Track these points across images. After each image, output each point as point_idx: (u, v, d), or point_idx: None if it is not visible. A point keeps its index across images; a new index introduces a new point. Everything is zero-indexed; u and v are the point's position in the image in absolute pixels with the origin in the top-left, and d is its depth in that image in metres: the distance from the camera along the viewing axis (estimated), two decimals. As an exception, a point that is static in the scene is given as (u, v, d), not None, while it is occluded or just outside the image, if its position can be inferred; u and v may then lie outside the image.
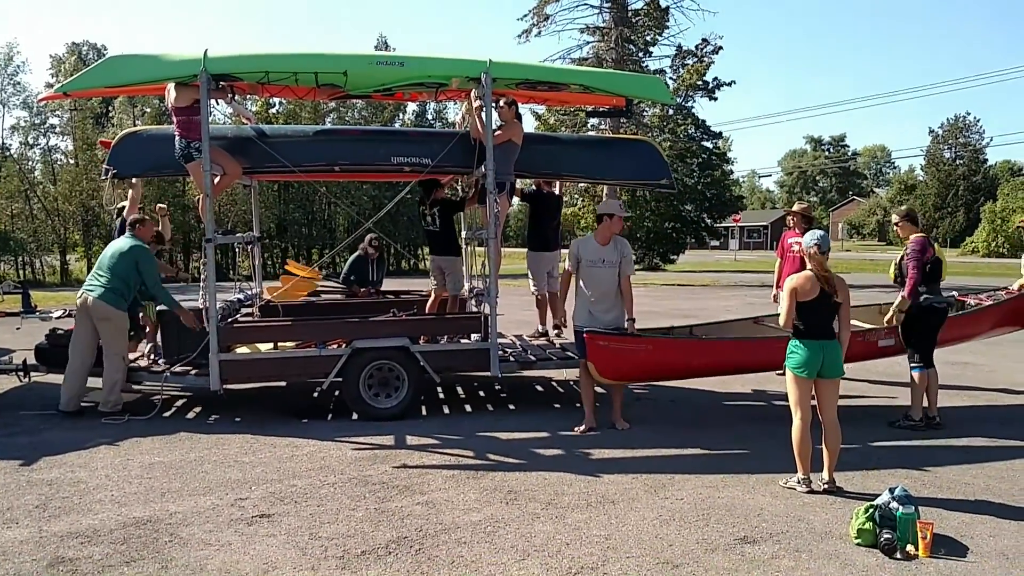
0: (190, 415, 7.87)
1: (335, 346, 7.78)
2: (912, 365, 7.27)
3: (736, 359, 7.68)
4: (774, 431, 7.05)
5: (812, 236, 5.50)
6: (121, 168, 7.93)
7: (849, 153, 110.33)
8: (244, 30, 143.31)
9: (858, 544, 4.52)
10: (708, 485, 5.55)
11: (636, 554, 4.39)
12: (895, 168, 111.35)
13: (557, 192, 9.56)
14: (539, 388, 9.17)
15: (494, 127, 7.65)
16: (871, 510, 4.61)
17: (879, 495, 4.73)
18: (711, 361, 7.69)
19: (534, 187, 9.60)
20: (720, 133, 39.48)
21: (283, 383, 8.92)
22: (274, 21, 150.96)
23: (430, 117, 45.28)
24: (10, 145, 40.93)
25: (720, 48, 31.76)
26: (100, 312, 7.58)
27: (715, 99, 33.03)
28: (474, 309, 8.96)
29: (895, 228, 7.57)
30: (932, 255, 7.18)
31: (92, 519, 4.93)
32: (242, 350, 7.91)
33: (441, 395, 8.61)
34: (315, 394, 8.61)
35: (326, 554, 4.41)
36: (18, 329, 10.34)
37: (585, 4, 30.20)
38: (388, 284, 11.86)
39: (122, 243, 7.89)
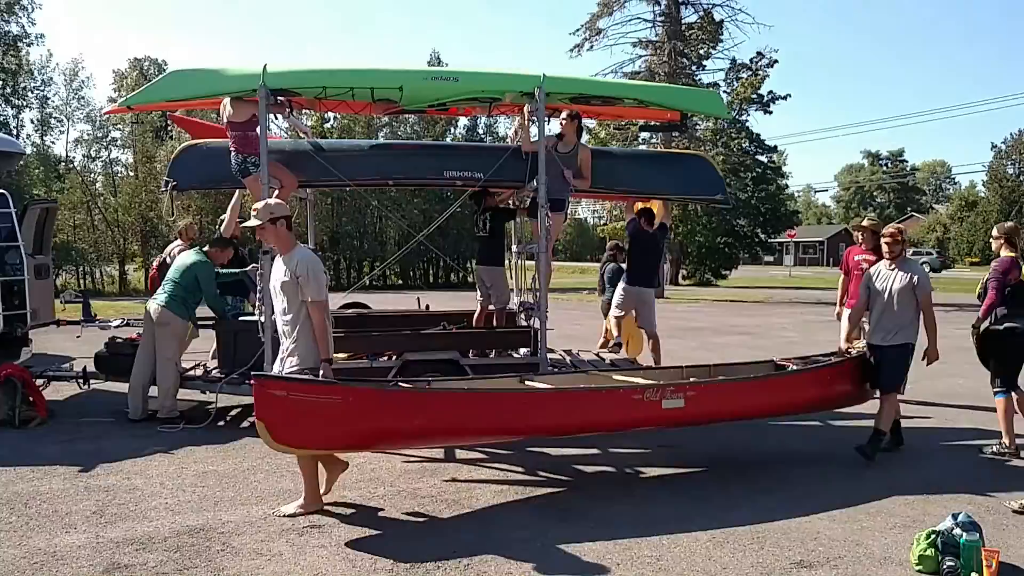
0: (244, 424, 7.97)
1: (386, 358, 7.82)
2: (995, 391, 6.81)
3: (500, 421, 5.62)
4: (831, 453, 6.91)
5: None
6: (181, 181, 8.11)
7: (908, 168, 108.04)
8: (300, 45, 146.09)
9: (919, 571, 4.39)
10: (762, 507, 5.42)
11: (689, 576, 4.31)
12: (955, 184, 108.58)
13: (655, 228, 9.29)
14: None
15: (554, 137, 7.67)
16: (933, 536, 4.46)
17: (941, 521, 4.58)
18: (457, 423, 5.48)
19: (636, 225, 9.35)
20: (775, 147, 39.03)
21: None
22: (326, 36, 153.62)
23: (481, 131, 45.58)
24: (74, 158, 42.27)
25: (775, 61, 31.49)
26: (161, 318, 7.82)
27: (770, 113, 32.71)
28: (523, 323, 8.94)
29: (993, 245, 7.20)
30: (1017, 277, 6.76)
31: (147, 526, 5.01)
32: (295, 361, 7.98)
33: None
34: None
35: (375, 566, 4.41)
36: (78, 337, 10.60)
37: (638, 18, 30.25)
38: (437, 302, 11.90)
39: (188, 257, 8.11)
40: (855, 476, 6.21)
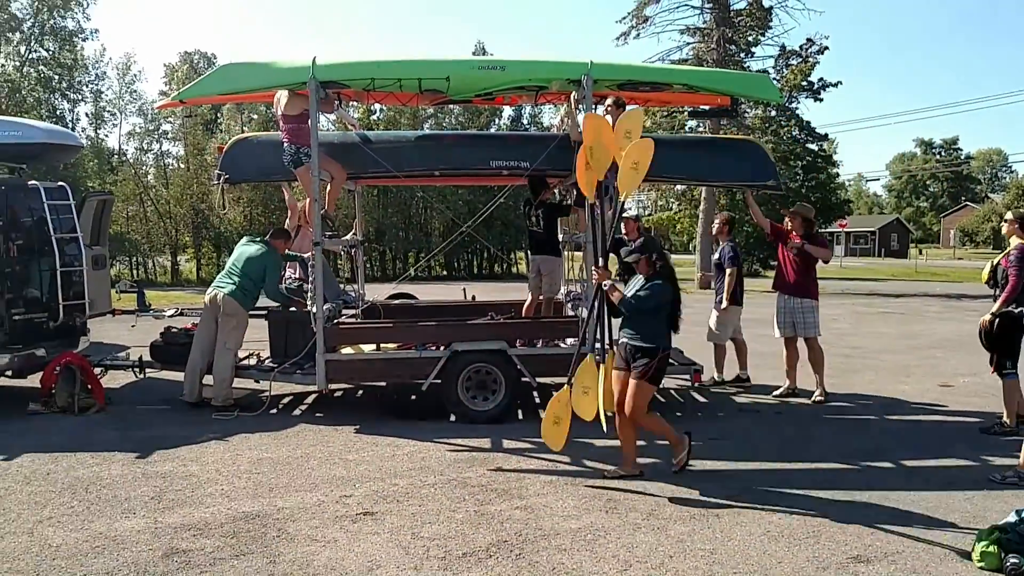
0: (297, 412, 8.08)
1: (434, 348, 7.85)
2: (1005, 372, 7.01)
3: None
4: (884, 447, 6.77)
5: None
6: (233, 173, 8.23)
7: (962, 156, 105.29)
8: (346, 33, 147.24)
9: (981, 568, 4.29)
10: (817, 501, 5.34)
11: (743, 570, 4.25)
12: (1012, 172, 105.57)
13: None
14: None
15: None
16: (995, 532, 4.35)
17: (1004, 517, 4.46)
18: None
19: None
20: (825, 135, 38.14)
21: (383, 384, 9.04)
22: (376, 26, 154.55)
23: (525, 121, 45.41)
24: (126, 150, 43.09)
25: (826, 48, 30.76)
26: (228, 307, 7.93)
27: (820, 100, 32.00)
28: (571, 313, 8.90)
29: (1004, 229, 7.23)
30: None
31: (204, 512, 5.10)
32: (346, 351, 8.07)
33: (537, 399, 8.57)
34: (413, 396, 8.72)
35: (428, 554, 4.44)
36: (133, 327, 10.80)
37: (686, 5, 29.81)
38: (482, 292, 11.93)
39: (256, 248, 8.21)
40: (912, 471, 6.09)
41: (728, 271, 9.08)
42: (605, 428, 5.85)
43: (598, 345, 6.41)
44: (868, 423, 7.77)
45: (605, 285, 5.99)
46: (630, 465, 5.92)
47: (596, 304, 6.37)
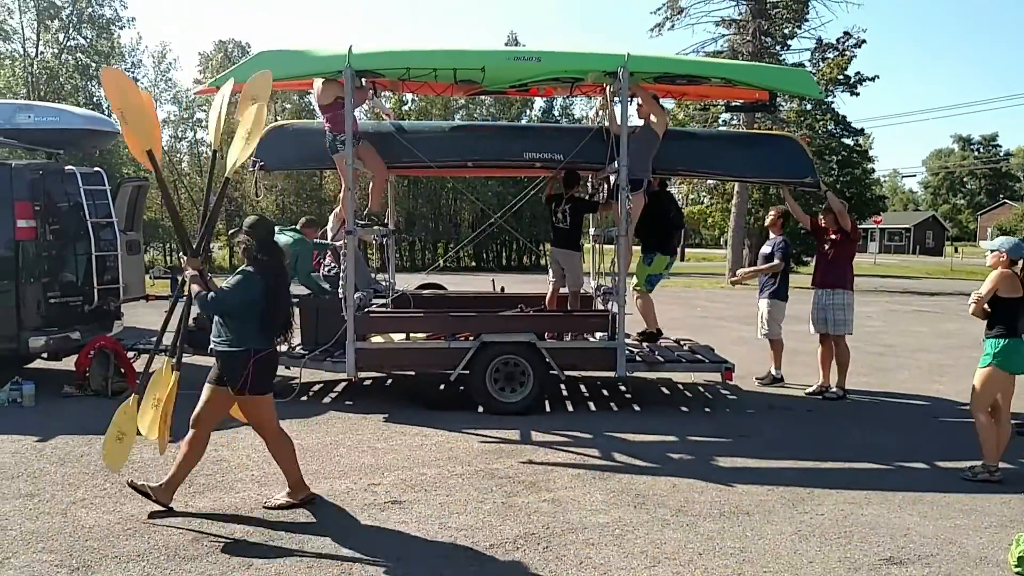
0: (327, 399, 8.12)
1: (464, 339, 7.85)
2: None
3: None
4: (918, 447, 6.67)
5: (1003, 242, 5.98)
6: (269, 161, 8.27)
7: (1001, 154, 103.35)
8: (379, 28, 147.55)
9: (1017, 573, 4.20)
10: (849, 501, 5.27)
11: (773, 569, 4.21)
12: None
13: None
14: (665, 391, 8.97)
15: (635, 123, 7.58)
16: (1033, 538, 4.27)
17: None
18: None
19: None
20: (861, 130, 37.59)
21: (412, 373, 9.06)
22: (411, 18, 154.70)
23: (556, 113, 45.28)
24: (161, 138, 43.62)
25: (863, 41, 30.30)
26: None
27: (856, 94, 31.54)
28: (601, 307, 8.85)
29: None
30: None
31: (234, 497, 5.14)
32: (376, 340, 8.10)
33: (564, 392, 8.55)
34: (441, 385, 8.73)
35: (456, 543, 4.44)
36: (166, 312, 10.89)
37: (721, -4, 29.49)
38: (510, 284, 11.91)
39: (287, 238, 8.29)
40: (947, 472, 5.99)
41: (777, 260, 9.11)
42: (161, 452, 5.26)
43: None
44: (902, 422, 7.65)
45: (186, 275, 5.07)
46: (297, 490, 5.00)
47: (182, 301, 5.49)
